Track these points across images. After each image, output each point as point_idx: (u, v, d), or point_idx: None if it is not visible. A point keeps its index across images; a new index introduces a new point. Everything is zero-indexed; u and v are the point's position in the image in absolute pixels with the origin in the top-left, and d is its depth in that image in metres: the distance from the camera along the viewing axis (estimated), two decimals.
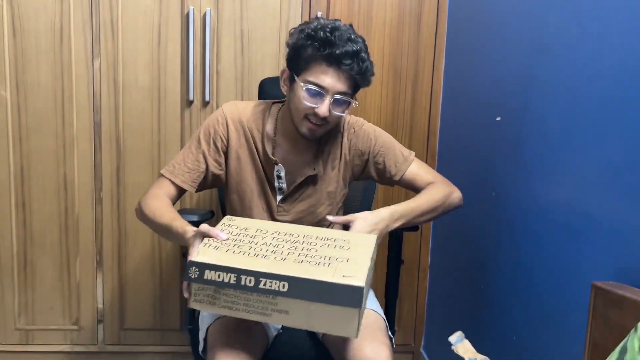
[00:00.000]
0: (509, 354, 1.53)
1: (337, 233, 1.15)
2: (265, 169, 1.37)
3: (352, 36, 1.23)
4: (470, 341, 1.73)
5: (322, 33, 1.21)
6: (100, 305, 2.00)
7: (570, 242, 1.26)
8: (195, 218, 1.43)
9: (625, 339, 0.66)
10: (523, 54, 1.52)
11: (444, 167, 2.06)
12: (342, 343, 1.20)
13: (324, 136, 1.35)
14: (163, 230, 1.24)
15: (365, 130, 1.41)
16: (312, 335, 1.35)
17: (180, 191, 1.35)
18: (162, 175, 1.35)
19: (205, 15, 1.86)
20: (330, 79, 1.22)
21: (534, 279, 1.42)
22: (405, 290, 2.14)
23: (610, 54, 1.17)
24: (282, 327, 1.36)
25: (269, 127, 1.38)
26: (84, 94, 1.88)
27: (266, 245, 1.07)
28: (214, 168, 1.37)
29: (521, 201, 1.50)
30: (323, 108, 1.23)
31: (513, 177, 1.54)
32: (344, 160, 1.40)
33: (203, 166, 1.35)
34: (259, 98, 1.71)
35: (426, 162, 2.10)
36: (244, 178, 1.37)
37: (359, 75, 1.24)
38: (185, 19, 1.87)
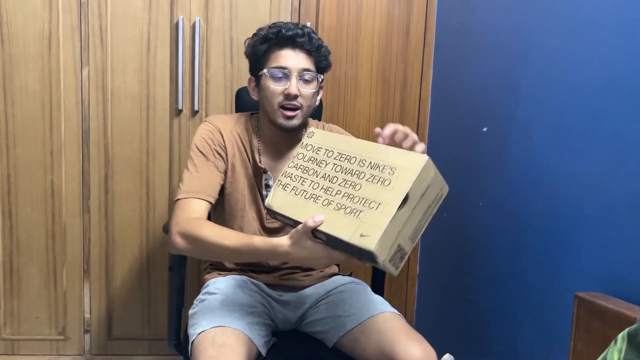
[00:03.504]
0: None
1: (389, 155, 1.08)
2: (255, 177, 1.39)
3: (300, 25, 1.32)
4: (459, 351, 1.74)
5: (272, 29, 1.31)
6: (87, 315, 1.98)
7: (556, 252, 1.27)
8: None
9: (605, 351, 0.67)
10: (509, 64, 1.54)
11: None
12: (385, 346, 1.20)
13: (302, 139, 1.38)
14: (240, 254, 1.17)
15: (338, 130, 1.47)
16: (315, 342, 1.35)
17: (208, 208, 1.30)
18: (182, 199, 1.28)
19: (194, 24, 1.87)
20: (288, 59, 1.29)
21: (520, 289, 1.43)
22: (394, 299, 2.15)
23: (594, 65, 1.18)
24: (275, 335, 1.35)
25: (253, 137, 1.40)
26: (72, 102, 1.88)
27: (324, 179, 1.11)
28: (223, 179, 1.36)
29: (507, 211, 1.51)
30: (292, 87, 1.28)
31: (499, 187, 1.56)
32: None
33: (218, 178, 1.33)
34: (236, 107, 1.72)
35: None
36: (237, 187, 1.38)
37: (314, 50, 1.31)
38: (175, 27, 1.87)
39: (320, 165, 1.14)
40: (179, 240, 1.22)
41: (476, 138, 1.70)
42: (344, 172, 1.09)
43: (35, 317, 1.96)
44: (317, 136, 1.19)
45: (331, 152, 1.14)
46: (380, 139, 1.11)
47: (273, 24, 1.34)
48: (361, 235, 0.98)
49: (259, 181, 1.39)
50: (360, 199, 1.03)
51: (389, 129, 1.12)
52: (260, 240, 1.12)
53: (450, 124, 1.93)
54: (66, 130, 1.88)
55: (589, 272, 1.12)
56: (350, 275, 1.55)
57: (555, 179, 1.29)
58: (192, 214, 1.24)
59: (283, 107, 1.29)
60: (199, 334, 1.21)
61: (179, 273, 1.45)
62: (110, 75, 1.88)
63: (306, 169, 1.15)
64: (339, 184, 1.08)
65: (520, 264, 1.43)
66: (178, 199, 1.29)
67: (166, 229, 1.47)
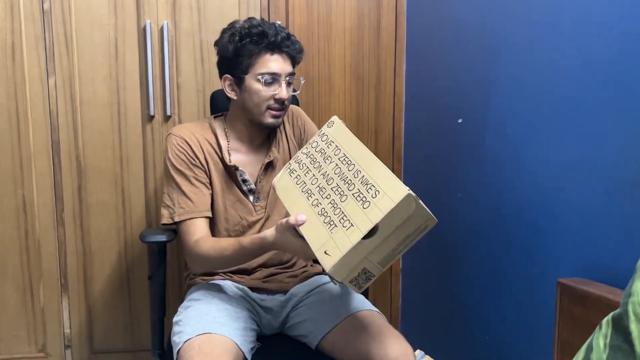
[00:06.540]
0: (482, 354, 1.55)
1: (381, 175, 1.06)
2: (231, 177, 1.39)
3: (276, 24, 1.34)
4: (445, 343, 1.75)
5: (254, 29, 1.31)
6: (67, 330, 1.93)
7: (536, 241, 1.28)
8: (163, 238, 1.40)
9: (591, 337, 0.67)
10: (481, 56, 1.55)
11: (410, 171, 2.07)
12: (361, 346, 1.20)
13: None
14: (239, 257, 1.28)
15: (298, 112, 1.51)
16: (299, 345, 1.34)
17: (208, 222, 1.35)
18: (183, 221, 1.33)
19: (162, 28, 1.83)
20: (278, 64, 1.32)
21: (503, 279, 1.44)
22: (379, 295, 2.15)
23: (566, 57, 1.20)
24: (261, 340, 1.33)
25: (221, 138, 1.41)
26: (40, 112, 1.82)
27: (323, 177, 1.15)
28: (210, 188, 1.38)
29: (486, 202, 1.52)
30: (283, 92, 1.32)
31: (477, 178, 1.57)
32: (297, 140, 1.47)
33: (205, 189, 1.36)
34: (212, 110, 1.70)
35: (392, 166, 2.12)
36: (216, 191, 1.38)
37: (298, 53, 1.36)
38: (142, 32, 1.83)
39: (326, 161, 1.17)
40: (193, 265, 1.34)
41: (452, 130, 1.71)
42: (340, 177, 1.12)
43: (13, 335, 1.91)
44: (335, 128, 1.21)
45: (339, 151, 1.16)
46: None
47: (249, 21, 1.35)
48: (325, 253, 1.01)
49: (235, 180, 1.39)
50: (340, 213, 1.05)
51: None
52: (249, 241, 1.22)
53: (426, 118, 1.93)
54: (35, 141, 1.83)
55: (571, 259, 1.13)
56: None
57: (533, 168, 1.30)
58: (195, 236, 1.31)
59: (271, 108, 1.34)
60: (185, 342, 1.19)
61: (159, 281, 1.43)
62: (78, 84, 1.83)
63: (314, 160, 1.19)
64: (331, 188, 1.11)
65: (502, 254, 1.44)
66: (179, 221, 1.34)
67: (143, 237, 1.44)
